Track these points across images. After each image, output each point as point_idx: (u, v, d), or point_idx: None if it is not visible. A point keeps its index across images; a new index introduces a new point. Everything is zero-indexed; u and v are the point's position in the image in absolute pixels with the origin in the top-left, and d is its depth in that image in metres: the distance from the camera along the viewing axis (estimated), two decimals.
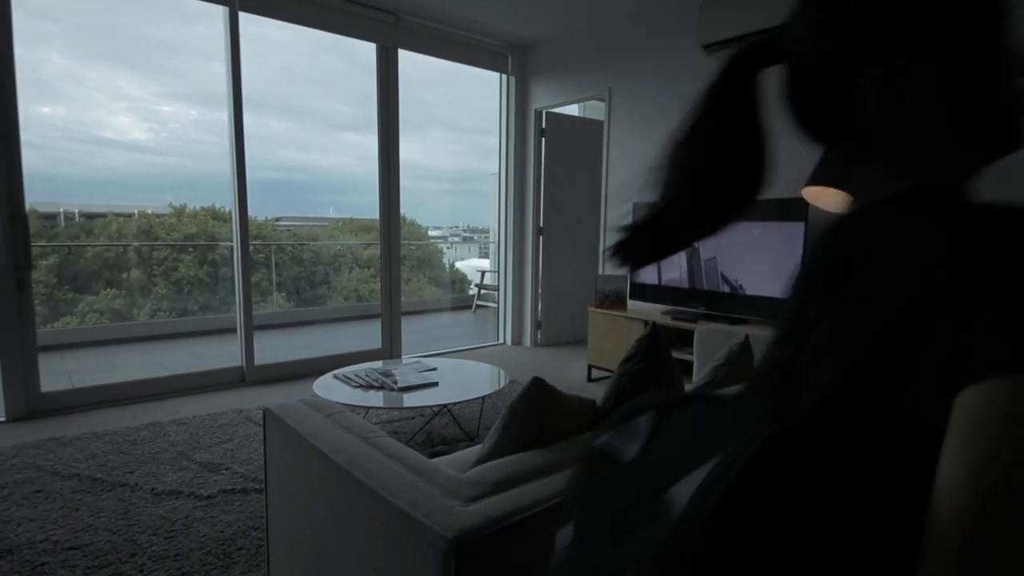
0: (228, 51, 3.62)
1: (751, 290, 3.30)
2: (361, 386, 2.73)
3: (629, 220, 0.58)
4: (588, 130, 5.12)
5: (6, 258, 3.06)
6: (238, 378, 3.89)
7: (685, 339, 3.41)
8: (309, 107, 8.05)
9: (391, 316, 4.58)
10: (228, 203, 3.87)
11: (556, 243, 5.17)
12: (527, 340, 5.24)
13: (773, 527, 0.36)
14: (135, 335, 5.75)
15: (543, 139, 5.00)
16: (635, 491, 0.43)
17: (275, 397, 3.56)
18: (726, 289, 3.42)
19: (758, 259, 3.26)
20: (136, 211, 6.38)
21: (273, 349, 4.64)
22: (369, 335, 4.64)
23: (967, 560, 0.30)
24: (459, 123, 10.61)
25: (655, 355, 1.48)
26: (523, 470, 1.07)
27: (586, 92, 4.59)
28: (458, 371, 3.08)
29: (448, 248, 9.66)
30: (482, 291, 7.67)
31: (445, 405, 2.73)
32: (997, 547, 0.29)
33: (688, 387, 1.69)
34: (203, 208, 6.63)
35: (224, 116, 3.72)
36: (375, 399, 2.62)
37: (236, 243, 3.82)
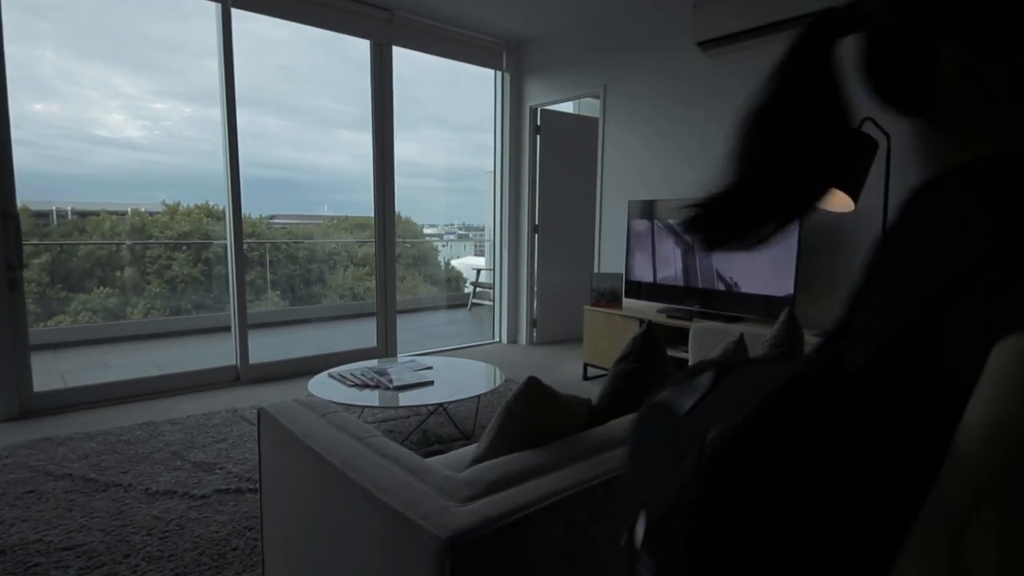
0: (220, 48, 3.59)
1: (746, 288, 3.31)
2: (356, 385, 2.72)
3: (704, 194, 0.54)
4: (583, 127, 5.11)
5: None
6: (232, 377, 3.88)
7: (680, 337, 3.41)
8: (304, 105, 8.02)
9: (386, 314, 4.57)
10: (222, 201, 3.85)
11: (552, 241, 5.17)
12: (523, 338, 5.24)
13: (784, 465, 0.38)
14: (128, 334, 5.72)
15: (538, 136, 4.99)
16: (681, 438, 0.45)
17: (270, 396, 3.55)
18: (721, 287, 3.42)
19: (753, 257, 3.26)
20: (129, 209, 6.34)
21: (268, 348, 4.63)
22: (364, 333, 4.63)
23: (982, 501, 0.31)
24: (454, 120, 10.58)
25: (650, 354, 1.48)
26: (519, 470, 1.07)
27: (581, 89, 4.59)
28: (453, 370, 3.07)
29: (443, 246, 9.65)
30: (477, 289, 7.67)
31: (441, 404, 2.72)
32: (1016, 490, 0.30)
33: None
34: (197, 206, 6.59)
35: (218, 113, 3.70)
36: (370, 398, 2.61)
37: (230, 241, 3.80)
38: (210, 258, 6.35)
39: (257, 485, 2.23)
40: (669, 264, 3.71)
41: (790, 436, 0.39)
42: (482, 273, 7.59)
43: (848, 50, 0.51)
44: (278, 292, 6.97)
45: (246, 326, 3.89)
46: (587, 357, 4.09)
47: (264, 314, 6.58)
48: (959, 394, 0.34)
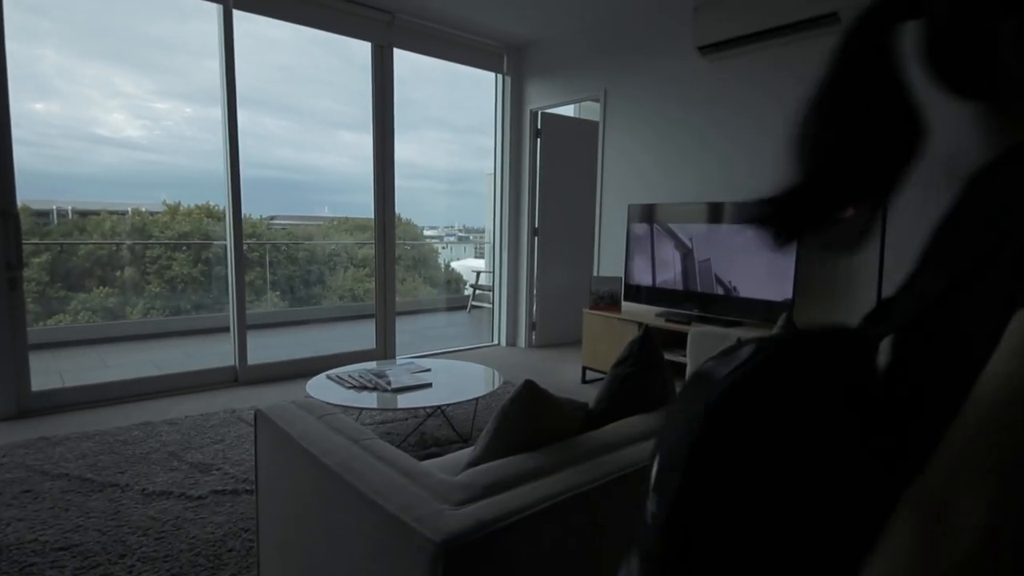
0: (222, 49, 3.60)
1: (745, 292, 3.31)
2: (354, 387, 2.72)
3: (768, 192, 0.54)
4: (583, 131, 5.12)
5: None
6: (231, 378, 3.88)
7: (679, 341, 3.41)
8: (305, 106, 8.04)
9: (385, 316, 4.57)
10: (222, 201, 3.85)
11: (551, 244, 5.18)
12: (521, 341, 5.24)
13: (786, 409, 0.40)
14: (128, 334, 5.72)
15: (538, 140, 5.00)
16: (703, 390, 0.48)
17: (268, 397, 3.55)
18: (720, 291, 3.42)
19: (752, 261, 3.26)
20: (130, 209, 6.35)
21: (267, 349, 4.63)
22: (364, 335, 4.63)
23: (979, 470, 0.31)
24: (455, 122, 10.60)
25: (648, 358, 1.48)
26: (514, 473, 1.07)
27: (581, 93, 4.60)
28: (452, 372, 3.07)
29: (443, 248, 9.65)
30: (477, 292, 7.67)
31: (439, 406, 2.72)
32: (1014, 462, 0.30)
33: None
34: (197, 206, 6.60)
35: (218, 113, 3.70)
36: (368, 400, 2.61)
37: (229, 242, 3.80)
38: (210, 258, 6.35)
39: (254, 486, 2.23)
40: (668, 268, 3.71)
41: (795, 383, 0.41)
42: (482, 275, 7.59)
43: (908, 34, 0.50)
44: (278, 293, 6.97)
45: (245, 327, 3.89)
46: (586, 360, 4.09)
47: (264, 315, 6.58)
48: (975, 367, 0.35)
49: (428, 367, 3.10)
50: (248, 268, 6.51)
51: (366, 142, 4.39)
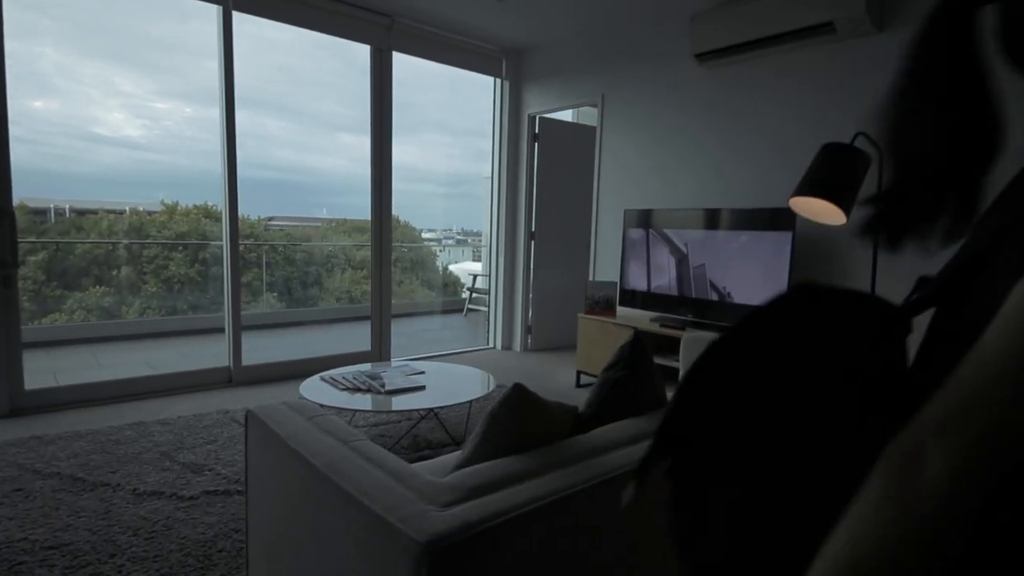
0: (221, 50, 3.61)
1: (739, 298, 3.32)
2: (348, 388, 2.72)
3: (873, 192, 0.52)
4: (581, 135, 5.14)
5: None
6: (225, 378, 3.88)
7: (673, 347, 3.42)
8: (306, 107, 8.04)
9: (381, 318, 4.57)
10: (220, 202, 3.86)
11: (547, 248, 5.19)
12: (517, 345, 5.25)
13: (789, 349, 0.46)
14: (123, 333, 5.71)
15: (536, 144, 5.01)
16: None
17: (262, 398, 3.55)
18: (714, 297, 3.44)
19: (747, 267, 3.28)
20: (128, 208, 6.34)
21: (263, 350, 4.62)
22: (360, 337, 4.63)
23: (958, 420, 0.33)
24: (455, 125, 10.62)
25: (637, 362, 1.49)
26: (501, 476, 1.08)
27: (579, 98, 4.62)
28: (446, 375, 3.08)
29: (441, 251, 9.66)
30: (474, 295, 7.67)
31: (432, 409, 2.72)
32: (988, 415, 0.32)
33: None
34: (195, 206, 6.59)
35: (218, 114, 3.71)
36: (362, 402, 2.61)
37: (225, 242, 3.81)
38: (207, 259, 6.35)
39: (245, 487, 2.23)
40: (663, 273, 3.72)
41: (791, 328, 0.46)
42: (478, 279, 7.60)
43: (987, 18, 0.49)
44: (275, 294, 6.97)
45: (240, 327, 3.89)
46: (580, 365, 4.10)
47: (260, 316, 6.58)
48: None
49: (422, 370, 3.10)
50: (246, 269, 6.51)
51: (366, 144, 4.40)
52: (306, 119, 8.27)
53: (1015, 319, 0.33)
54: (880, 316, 0.46)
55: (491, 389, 2.88)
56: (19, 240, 3.14)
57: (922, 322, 0.47)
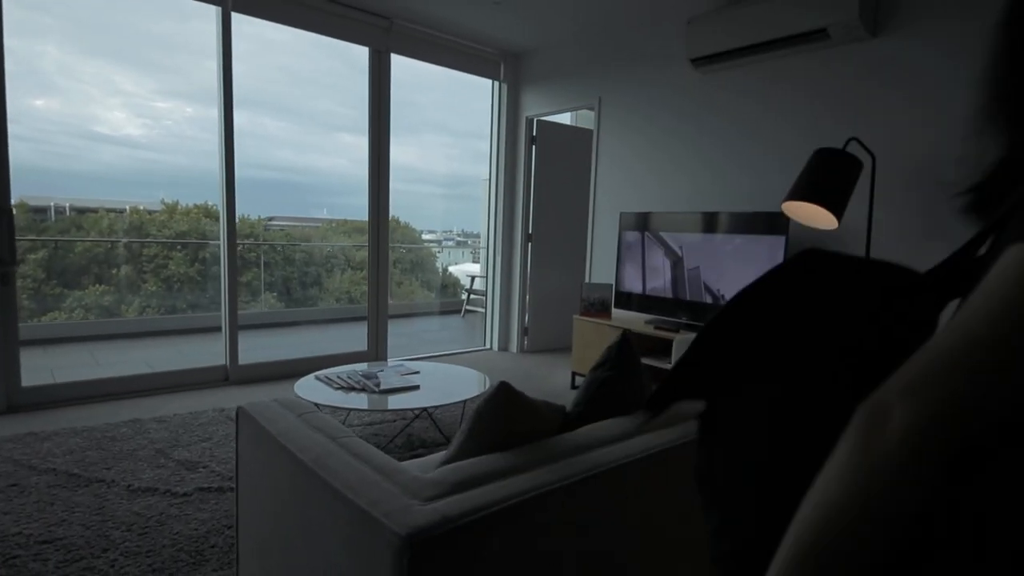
0: (220, 52, 3.64)
1: None
2: (343, 388, 2.74)
3: (969, 178, 0.49)
4: (578, 138, 5.16)
5: None
6: (222, 377, 3.90)
7: (667, 349, 3.44)
8: (305, 107, 8.07)
9: (377, 318, 4.59)
10: (219, 202, 3.88)
11: (544, 250, 5.21)
12: (513, 346, 5.27)
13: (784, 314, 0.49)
14: (122, 331, 5.73)
15: (534, 147, 5.04)
16: None
17: (258, 397, 3.57)
18: (708, 299, 3.45)
19: (740, 270, 3.30)
20: (128, 207, 6.36)
21: (261, 349, 4.64)
22: (358, 337, 4.65)
23: (925, 383, 0.35)
24: (454, 127, 10.64)
25: (625, 362, 1.50)
26: (484, 472, 1.10)
27: (577, 101, 4.64)
28: (441, 375, 3.10)
29: (441, 252, 9.68)
30: (471, 296, 7.69)
31: (425, 408, 2.74)
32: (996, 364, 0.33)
33: None
34: (195, 205, 6.62)
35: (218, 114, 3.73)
36: (356, 401, 2.63)
37: (223, 242, 3.83)
38: (207, 258, 6.37)
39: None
40: (658, 275, 3.74)
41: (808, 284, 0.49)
42: (476, 280, 7.62)
43: None
44: (274, 294, 6.99)
45: (236, 326, 3.91)
46: (575, 366, 4.12)
47: (259, 315, 6.60)
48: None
49: (417, 370, 3.12)
50: (245, 269, 6.53)
51: (365, 144, 4.42)
52: (306, 119, 8.30)
53: (994, 288, 0.34)
54: (885, 287, 0.48)
55: (485, 389, 2.89)
56: (18, 238, 3.16)
57: None
